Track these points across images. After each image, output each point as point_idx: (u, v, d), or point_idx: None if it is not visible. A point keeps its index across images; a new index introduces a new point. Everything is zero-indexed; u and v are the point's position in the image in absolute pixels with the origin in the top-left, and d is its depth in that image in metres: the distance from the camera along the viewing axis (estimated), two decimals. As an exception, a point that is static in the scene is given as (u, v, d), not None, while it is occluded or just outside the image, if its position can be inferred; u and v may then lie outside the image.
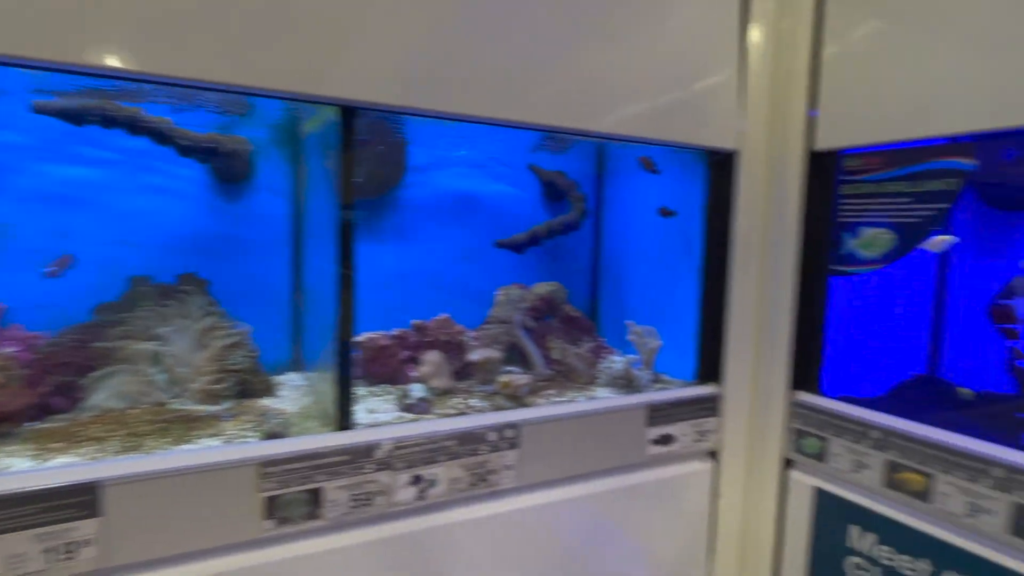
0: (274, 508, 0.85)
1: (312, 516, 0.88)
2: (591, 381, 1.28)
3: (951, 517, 0.95)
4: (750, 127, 1.20)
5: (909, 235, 1.05)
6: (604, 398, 1.18)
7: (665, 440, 1.20)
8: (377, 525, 0.94)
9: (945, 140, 1.00)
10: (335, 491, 0.90)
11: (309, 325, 1.24)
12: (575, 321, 1.43)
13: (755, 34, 1.19)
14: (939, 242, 1.00)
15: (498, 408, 1.10)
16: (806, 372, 1.20)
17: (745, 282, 1.24)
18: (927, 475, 0.98)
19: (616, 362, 1.27)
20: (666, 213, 1.34)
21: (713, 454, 1.27)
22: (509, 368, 1.30)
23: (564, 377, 1.30)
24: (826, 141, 1.14)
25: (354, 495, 0.91)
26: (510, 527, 1.04)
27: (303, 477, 0.88)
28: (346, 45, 0.86)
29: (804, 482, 1.18)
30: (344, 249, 0.93)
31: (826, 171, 1.15)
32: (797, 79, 1.17)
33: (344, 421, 0.95)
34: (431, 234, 1.41)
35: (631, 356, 1.27)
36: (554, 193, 1.50)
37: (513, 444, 1.03)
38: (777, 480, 1.23)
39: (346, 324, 0.94)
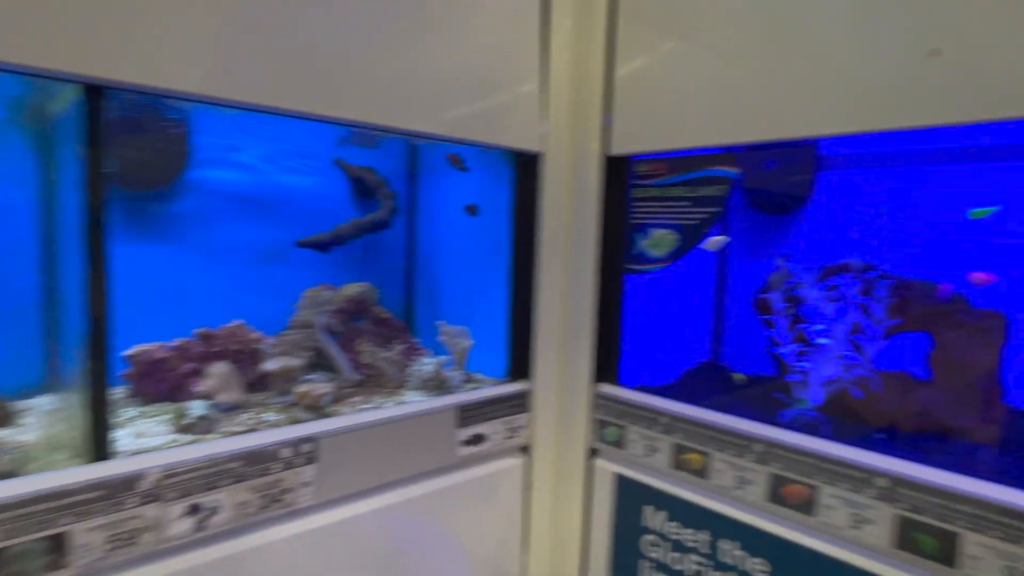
0: (-2, 564, 0.70)
1: (55, 566, 0.75)
2: (401, 385, 1.25)
3: (723, 490, 1.05)
4: (553, 131, 1.24)
5: (690, 236, 1.15)
6: (413, 402, 1.15)
7: (476, 440, 1.19)
8: (144, 566, 0.82)
9: (717, 150, 1.10)
10: (86, 534, 0.76)
11: (66, 338, 1.05)
12: (386, 323, 1.38)
13: (556, 43, 1.23)
14: (715, 242, 1.10)
15: (296, 421, 1.02)
16: (607, 365, 1.27)
17: (551, 281, 1.28)
18: (705, 454, 1.08)
19: (427, 364, 1.25)
20: (471, 211, 1.34)
21: (525, 449, 1.30)
22: (312, 376, 1.22)
23: (374, 382, 1.25)
24: (619, 147, 1.20)
25: (112, 535, 0.78)
26: (313, 546, 0.97)
27: (41, 522, 0.73)
28: (90, 14, 0.74)
29: (607, 469, 1.24)
30: (93, 248, 0.80)
31: (620, 175, 1.22)
32: (594, 88, 1.22)
33: (100, 450, 0.82)
34: (227, 233, 1.28)
35: (443, 357, 1.25)
36: (363, 190, 1.44)
37: (311, 459, 0.96)
38: (583, 469, 1.28)
39: (98, 335, 0.81)
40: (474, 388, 1.25)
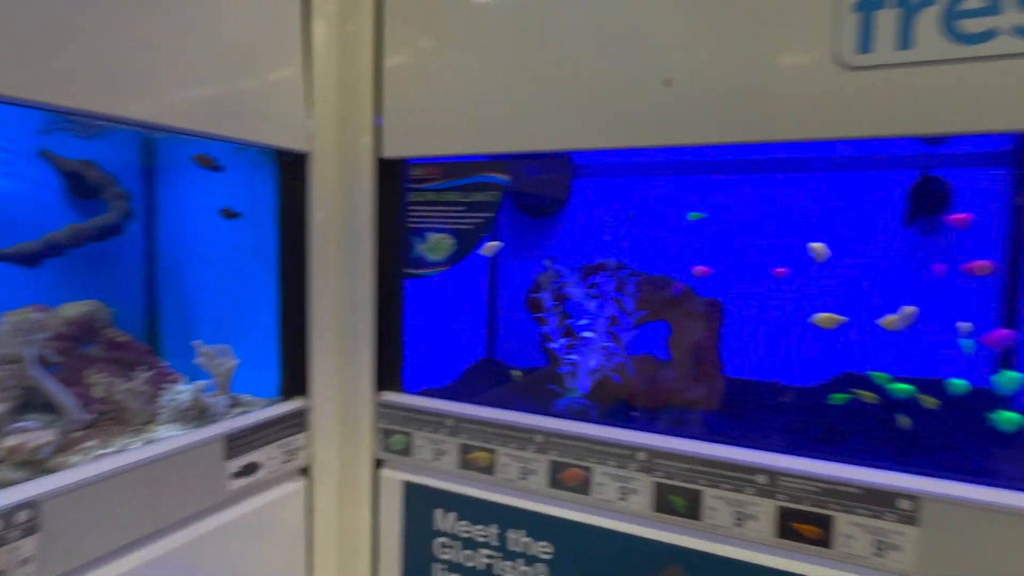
0: None
1: None
2: (151, 419, 1.07)
3: (509, 483, 1.11)
4: (320, 129, 1.16)
5: (466, 240, 1.17)
6: (168, 438, 0.99)
7: (250, 469, 1.07)
8: None
9: (488, 157, 1.14)
10: None
11: None
12: (124, 347, 1.16)
13: (319, 34, 1.15)
14: (491, 247, 1.14)
15: (6, 484, 0.81)
16: (389, 372, 1.24)
17: (325, 288, 1.20)
18: (491, 451, 1.12)
19: (182, 391, 1.08)
20: (229, 215, 1.20)
21: (305, 471, 1.21)
22: (25, 423, 0.97)
23: (113, 420, 1.05)
24: (392, 150, 1.18)
25: None
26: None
27: None
28: None
29: (394, 478, 1.21)
30: None
31: (394, 178, 1.19)
32: (363, 86, 1.18)
33: None
34: None
35: (202, 381, 1.10)
36: (83, 189, 1.19)
37: (30, 529, 0.77)
38: (369, 483, 1.24)
39: None
40: (243, 412, 1.12)
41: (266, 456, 1.11)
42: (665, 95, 0.95)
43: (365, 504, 1.24)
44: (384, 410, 1.22)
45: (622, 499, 1.02)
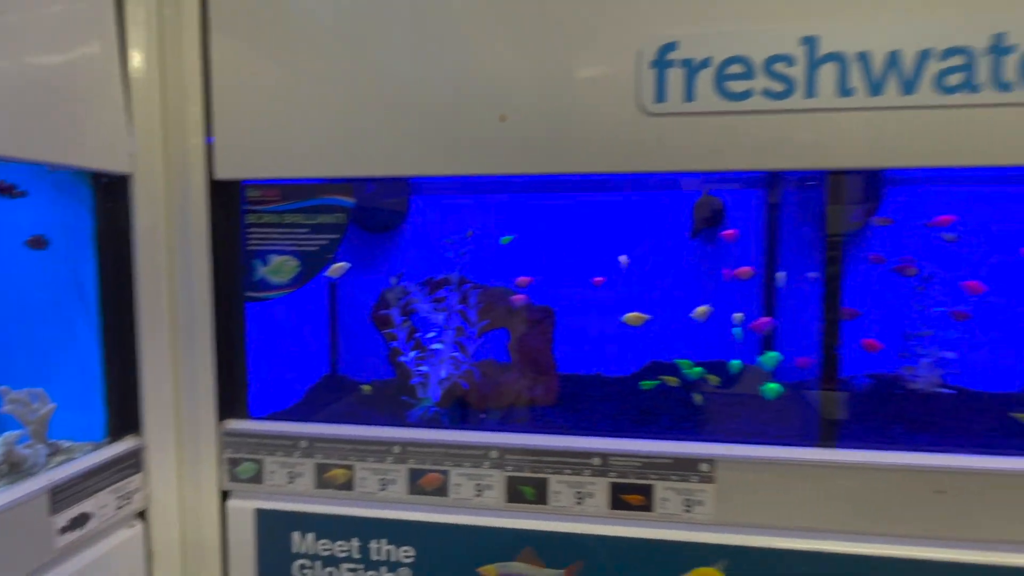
0: None
1: None
2: (-51, 481, 0.92)
3: (369, 496, 1.14)
4: (143, 150, 1.09)
5: (311, 262, 1.18)
6: (-22, 500, 0.88)
7: (80, 522, 0.98)
8: None
9: (332, 180, 1.16)
10: None
11: None
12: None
13: (136, 52, 1.08)
14: (338, 269, 1.16)
15: None
16: (232, 399, 1.20)
17: (155, 317, 1.13)
18: (349, 467, 1.14)
19: (-11, 445, 0.95)
20: (37, 244, 1.07)
21: (142, 514, 1.13)
22: None
23: None
24: (225, 172, 1.14)
25: None
26: None
27: None
28: None
29: (244, 508, 1.18)
30: None
31: (230, 201, 1.16)
32: (191, 106, 1.12)
33: None
34: None
35: (13, 433, 0.98)
36: None
37: None
38: (217, 516, 1.19)
39: None
40: (66, 461, 1.02)
41: (98, 504, 1.02)
42: (498, 128, 1.05)
43: (213, 540, 1.19)
44: (229, 439, 1.18)
45: (478, 495, 1.11)
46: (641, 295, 1.39)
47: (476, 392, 1.26)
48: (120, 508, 1.07)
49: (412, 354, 1.24)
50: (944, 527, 0.99)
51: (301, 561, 1.17)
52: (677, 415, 1.24)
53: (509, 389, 1.28)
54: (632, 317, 1.18)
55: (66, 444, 1.08)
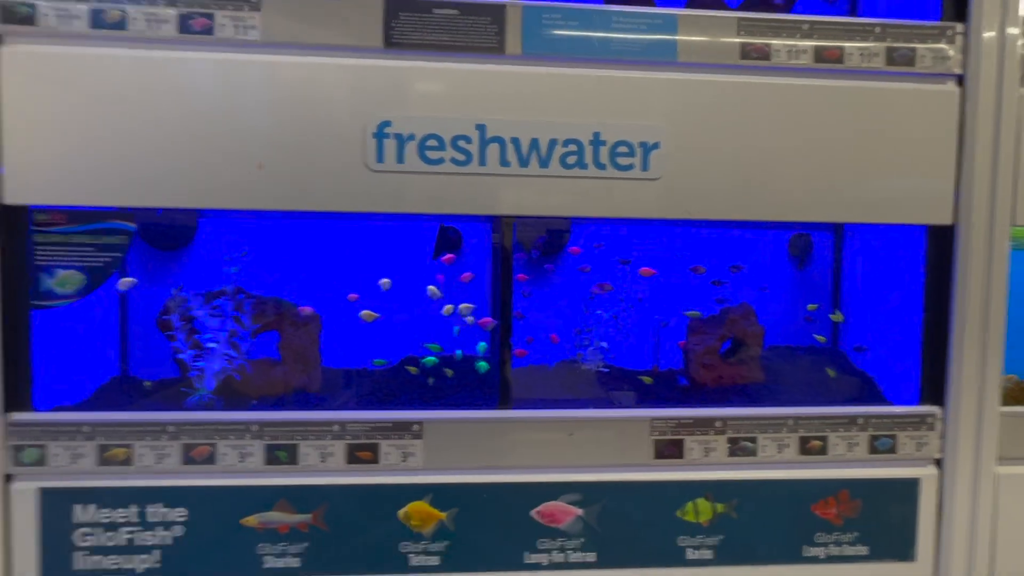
0: None
1: None
2: None
3: (147, 469, 1.36)
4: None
5: (97, 275, 1.39)
6: None
7: None
8: None
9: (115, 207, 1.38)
10: None
11: None
12: None
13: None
14: (125, 283, 1.38)
15: None
16: (17, 394, 1.36)
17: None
18: (128, 446, 1.36)
19: None
20: None
21: (-78, 497, 1.26)
22: None
23: None
24: (14, 197, 1.32)
25: None
26: None
27: None
28: None
29: (27, 488, 1.35)
30: None
31: (19, 223, 1.34)
32: (-19, 138, 1.29)
33: None
34: None
35: None
36: None
37: None
38: (0, 497, 1.34)
39: None
40: None
41: None
42: (257, 173, 1.36)
43: (-5, 518, 1.34)
44: (13, 428, 1.34)
45: (241, 461, 1.39)
46: (396, 303, 1.75)
47: (248, 383, 1.54)
48: (-101, 491, 1.20)
49: (190, 352, 1.49)
50: (573, 458, 1.46)
51: (83, 530, 1.36)
52: (413, 395, 1.61)
53: (277, 380, 1.57)
54: (366, 314, 1.54)
55: None
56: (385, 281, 1.58)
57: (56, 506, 1.35)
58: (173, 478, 1.38)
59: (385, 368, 1.75)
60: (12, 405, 1.35)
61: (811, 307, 1.90)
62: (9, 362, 1.35)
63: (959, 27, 1.48)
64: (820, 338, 1.86)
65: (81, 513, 1.36)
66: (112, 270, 1.39)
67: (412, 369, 1.68)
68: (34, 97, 1.31)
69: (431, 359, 1.67)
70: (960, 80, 1.49)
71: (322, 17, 1.36)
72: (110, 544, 1.37)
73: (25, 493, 1.35)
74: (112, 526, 1.37)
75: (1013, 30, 1.47)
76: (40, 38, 1.31)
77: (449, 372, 1.67)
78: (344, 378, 1.71)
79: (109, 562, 1.37)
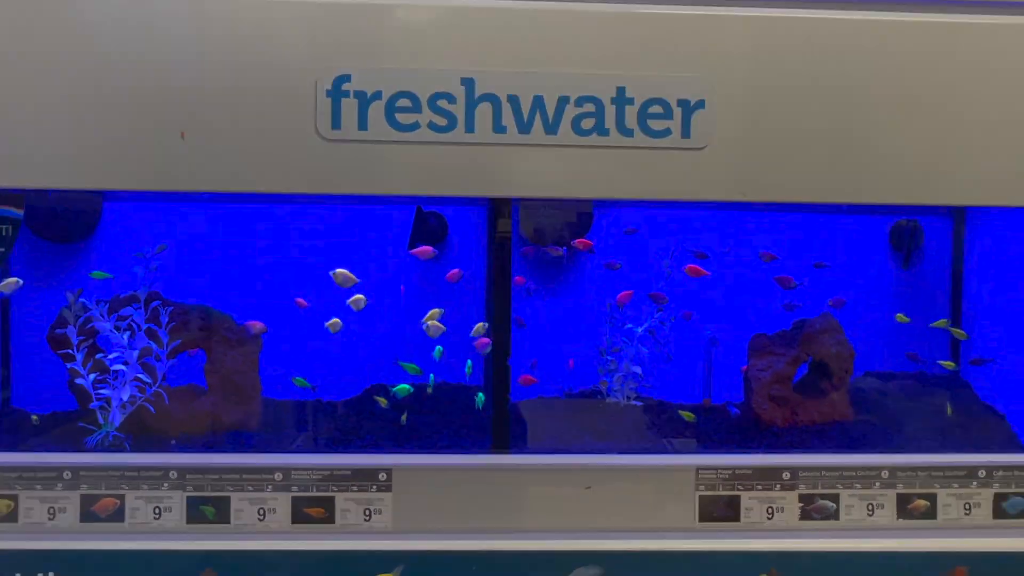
0: None
1: None
2: None
3: (36, 527, 1.48)
4: None
5: (-28, 275, 1.52)
6: None
7: None
8: None
9: (-1, 189, 1.51)
10: None
11: None
12: None
13: None
14: (8, 284, 1.51)
15: None
16: None
17: None
18: (12, 496, 1.48)
19: None
20: None
21: None
22: None
23: None
24: None
25: None
26: None
27: None
28: None
29: None
30: None
31: None
32: None
33: None
34: None
35: None
36: None
37: None
38: None
39: None
40: None
41: None
42: (181, 145, 1.47)
43: None
44: None
45: (156, 518, 1.50)
46: (366, 311, 1.85)
47: (166, 416, 1.66)
48: None
49: (91, 376, 1.61)
50: (592, 520, 1.55)
51: (-49, 609, 1.48)
52: (379, 430, 1.72)
53: (203, 413, 1.69)
54: (333, 323, 1.64)
55: None
56: (340, 272, 1.67)
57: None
58: (69, 539, 1.49)
59: (341, 398, 1.85)
60: None
61: (942, 324, 1.93)
62: None
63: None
64: (948, 364, 1.91)
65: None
66: (-5, 269, 1.52)
67: (381, 400, 1.79)
68: None
69: (404, 387, 1.77)
70: (1118, 13, 1.56)
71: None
72: (-13, 628, 1.49)
73: None
74: (-10, 604, 1.49)
75: None
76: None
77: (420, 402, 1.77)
78: (292, 412, 1.82)
79: (-15, 651, 1.49)
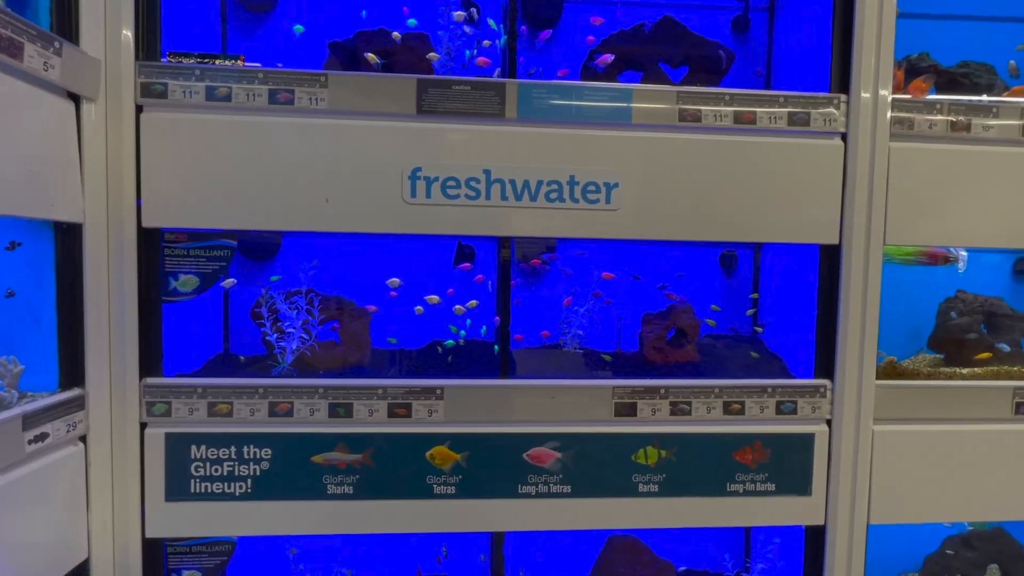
0: None
1: None
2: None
3: (244, 419, 1.46)
4: (92, 203, 1.35)
5: (208, 279, 1.49)
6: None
7: (41, 437, 1.22)
8: None
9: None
10: None
11: None
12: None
13: (93, 144, 1.35)
14: (228, 283, 1.50)
15: None
16: (151, 363, 1.46)
17: (98, 310, 1.37)
18: (229, 403, 1.46)
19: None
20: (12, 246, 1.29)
21: (83, 438, 1.37)
22: None
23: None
24: (149, 221, 1.42)
25: None
26: None
27: None
28: None
29: (158, 433, 1.45)
30: None
31: (155, 241, 1.45)
32: (126, 167, 1.39)
33: None
34: None
35: (-7, 382, 1.20)
36: None
37: None
38: (138, 439, 1.44)
39: None
40: (30, 401, 1.24)
41: (53, 428, 1.26)
42: (326, 205, 1.46)
43: (135, 453, 1.44)
44: (148, 388, 1.45)
45: (311, 415, 1.48)
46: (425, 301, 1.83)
47: (317, 358, 1.64)
48: (68, 432, 1.31)
49: (275, 335, 1.59)
50: (555, 415, 1.54)
51: (196, 463, 1.46)
52: (437, 367, 1.70)
53: (337, 356, 1.67)
54: (431, 298, 1.63)
55: (31, 394, 1.30)
56: (394, 280, 1.64)
57: (178, 447, 1.45)
58: (261, 427, 1.48)
59: (419, 349, 1.83)
60: (146, 372, 1.46)
61: (714, 307, 1.94)
62: (144, 342, 1.45)
63: (843, 97, 1.55)
64: (758, 328, 1.93)
65: (195, 451, 1.46)
66: (220, 275, 1.50)
67: (438, 348, 1.77)
68: (164, 151, 1.42)
69: (450, 342, 1.76)
70: (844, 137, 1.57)
71: (372, 91, 1.46)
72: (215, 474, 1.47)
73: (156, 437, 1.45)
74: (217, 461, 1.46)
75: (884, 92, 1.54)
76: (169, 108, 1.42)
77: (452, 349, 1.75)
78: (387, 356, 1.81)
79: (215, 487, 1.47)
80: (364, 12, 1.80)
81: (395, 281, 1.61)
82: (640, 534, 1.80)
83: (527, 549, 1.91)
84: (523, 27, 1.89)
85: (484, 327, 1.74)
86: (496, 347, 1.67)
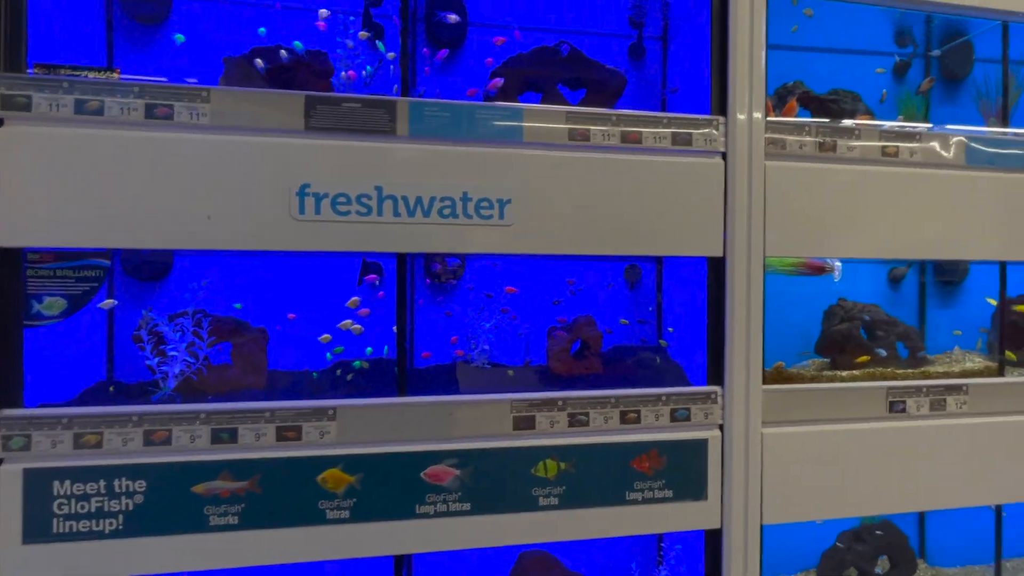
0: None
1: None
2: None
3: (114, 451, 1.36)
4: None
5: (78, 301, 1.41)
6: None
7: None
8: None
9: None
10: None
11: None
12: None
13: None
14: (107, 304, 1.41)
15: None
16: (8, 393, 1.35)
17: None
18: (99, 433, 1.37)
19: None
20: None
21: None
22: None
23: None
24: (7, 240, 1.33)
25: None
26: None
27: None
28: None
29: (15, 469, 1.33)
30: None
31: (15, 261, 1.35)
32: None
33: None
34: None
35: None
36: None
37: None
38: (-10, 477, 1.32)
39: None
40: None
41: None
42: (207, 222, 1.41)
43: (-15, 494, 1.32)
44: (4, 420, 1.33)
45: (191, 443, 1.40)
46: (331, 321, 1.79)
47: (204, 383, 1.56)
48: None
49: (156, 359, 1.51)
50: (453, 432, 1.52)
51: (59, 500, 1.35)
52: (342, 387, 1.65)
53: (228, 379, 1.60)
54: (347, 324, 1.59)
55: None
56: (355, 300, 1.62)
57: (37, 482, 1.34)
58: (136, 457, 1.38)
59: (324, 370, 1.78)
60: (3, 403, 1.35)
61: (623, 321, 2.03)
62: (2, 370, 1.34)
63: (722, 119, 1.66)
64: (663, 343, 1.99)
65: (58, 488, 1.35)
66: (90, 297, 1.41)
67: (337, 372, 1.73)
68: (27, 167, 1.33)
69: (358, 362, 1.72)
70: (724, 155, 1.67)
71: (258, 107, 1.44)
72: (82, 511, 1.36)
73: (12, 473, 1.33)
74: (84, 496, 1.35)
75: (758, 115, 1.66)
76: (34, 122, 1.34)
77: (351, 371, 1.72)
78: (285, 378, 1.74)
79: (80, 525, 1.35)
80: (263, 29, 1.79)
81: (355, 300, 1.58)
82: (550, 547, 1.79)
83: (434, 573, 1.86)
84: (425, 49, 1.92)
85: (386, 346, 1.72)
86: (358, 363, 1.65)
